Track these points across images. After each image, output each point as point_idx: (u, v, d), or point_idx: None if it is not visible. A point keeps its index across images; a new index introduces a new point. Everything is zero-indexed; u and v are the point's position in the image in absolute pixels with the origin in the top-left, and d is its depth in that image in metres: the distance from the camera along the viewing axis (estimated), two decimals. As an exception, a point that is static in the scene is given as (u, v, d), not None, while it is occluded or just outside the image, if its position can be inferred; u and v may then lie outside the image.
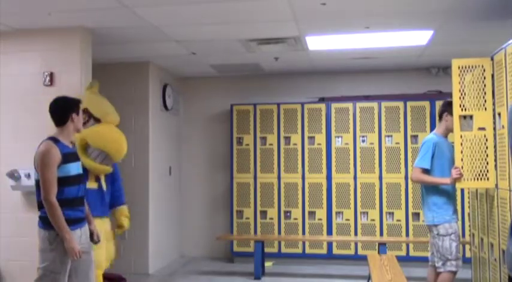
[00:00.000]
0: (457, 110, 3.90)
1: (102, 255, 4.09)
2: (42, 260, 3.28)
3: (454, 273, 3.94)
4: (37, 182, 3.34)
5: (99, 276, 4.12)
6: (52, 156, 3.26)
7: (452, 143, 4.07)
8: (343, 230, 6.64)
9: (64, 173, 3.31)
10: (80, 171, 3.48)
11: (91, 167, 4.02)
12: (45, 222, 3.28)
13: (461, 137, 3.89)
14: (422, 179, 4.03)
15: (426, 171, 4.00)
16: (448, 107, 4.02)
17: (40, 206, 3.33)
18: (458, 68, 3.93)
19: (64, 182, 3.30)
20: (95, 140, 4.02)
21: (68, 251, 3.22)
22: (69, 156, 3.36)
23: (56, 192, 3.25)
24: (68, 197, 3.32)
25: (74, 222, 3.34)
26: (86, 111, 4.03)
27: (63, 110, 3.42)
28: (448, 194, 4.01)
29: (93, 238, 3.55)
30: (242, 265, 6.68)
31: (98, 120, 4.17)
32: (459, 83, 3.92)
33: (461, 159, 3.87)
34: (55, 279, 3.25)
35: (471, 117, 3.89)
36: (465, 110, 3.89)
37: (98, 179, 4.17)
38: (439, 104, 6.31)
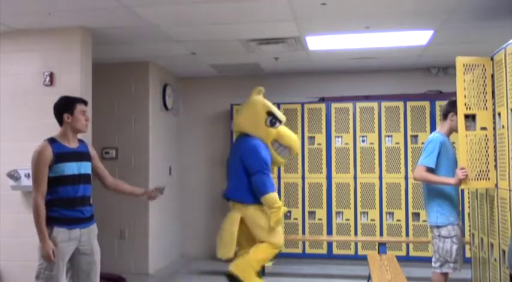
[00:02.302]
0: (461, 109, 3.82)
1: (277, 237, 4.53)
2: (39, 257, 3.29)
3: (447, 275, 3.87)
4: None
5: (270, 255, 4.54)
6: (42, 156, 3.26)
7: (453, 143, 4.06)
8: (343, 230, 6.65)
9: (57, 172, 3.29)
10: (83, 171, 3.42)
11: (276, 160, 4.64)
12: None
13: (466, 136, 3.82)
14: (426, 177, 3.86)
15: (430, 170, 3.84)
16: (454, 107, 3.89)
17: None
18: (463, 65, 3.87)
19: (58, 181, 3.29)
20: (287, 139, 4.60)
21: (41, 251, 3.23)
22: (65, 156, 3.33)
23: (44, 191, 3.25)
24: (64, 196, 3.30)
25: (72, 222, 3.33)
26: (270, 113, 4.60)
27: (56, 110, 3.44)
28: (452, 195, 3.91)
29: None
30: (242, 265, 6.67)
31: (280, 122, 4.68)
32: (464, 81, 3.85)
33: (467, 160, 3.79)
34: (49, 277, 3.24)
35: (473, 117, 3.85)
36: (469, 108, 3.83)
37: None
38: (439, 104, 6.37)
